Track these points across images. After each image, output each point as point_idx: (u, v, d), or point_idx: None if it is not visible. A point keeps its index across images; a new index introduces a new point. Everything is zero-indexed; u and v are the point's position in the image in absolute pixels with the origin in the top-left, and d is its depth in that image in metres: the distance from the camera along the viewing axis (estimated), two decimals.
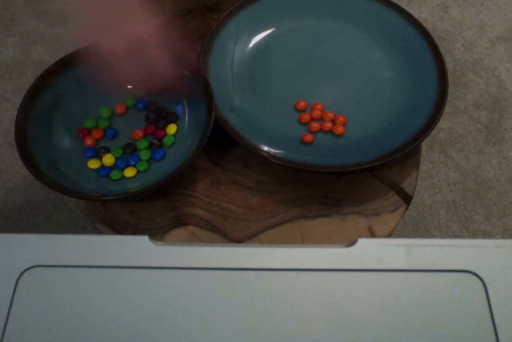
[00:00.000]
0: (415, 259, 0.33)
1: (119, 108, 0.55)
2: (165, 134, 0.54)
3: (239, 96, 0.56)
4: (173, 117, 0.55)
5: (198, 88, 0.52)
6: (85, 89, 0.55)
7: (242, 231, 0.51)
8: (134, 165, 0.52)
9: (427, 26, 1.00)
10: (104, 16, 0.43)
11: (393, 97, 0.57)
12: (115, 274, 0.33)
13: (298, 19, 0.61)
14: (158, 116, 0.55)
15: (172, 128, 0.54)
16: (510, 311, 0.31)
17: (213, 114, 0.49)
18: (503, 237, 1.14)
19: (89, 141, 0.54)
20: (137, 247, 0.34)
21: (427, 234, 1.14)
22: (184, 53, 0.51)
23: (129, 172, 0.52)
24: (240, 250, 0.34)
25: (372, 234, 0.51)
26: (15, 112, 0.50)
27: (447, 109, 1.26)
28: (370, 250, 0.33)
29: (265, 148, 0.51)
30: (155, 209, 0.52)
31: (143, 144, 0.53)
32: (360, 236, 0.40)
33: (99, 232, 0.52)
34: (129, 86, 0.56)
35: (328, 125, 0.55)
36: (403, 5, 0.77)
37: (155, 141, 0.53)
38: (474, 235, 1.13)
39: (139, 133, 0.54)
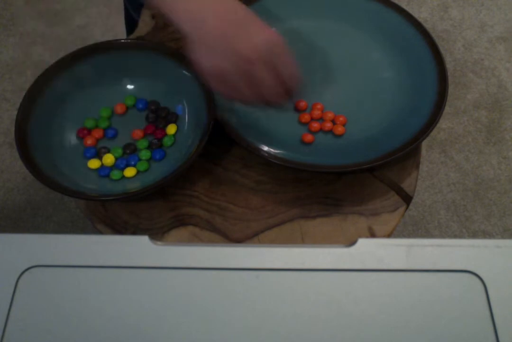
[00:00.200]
0: (415, 259, 0.33)
1: (119, 108, 0.55)
2: (165, 134, 0.54)
3: None
4: (173, 117, 0.55)
5: (198, 88, 0.52)
6: (85, 89, 0.55)
7: (242, 231, 0.51)
8: (134, 165, 0.52)
9: (427, 26, 1.00)
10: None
11: (393, 97, 0.57)
12: (115, 274, 0.33)
13: (298, 19, 0.61)
14: (158, 116, 0.55)
15: (172, 128, 0.54)
16: (510, 311, 0.31)
17: (213, 114, 0.49)
18: (503, 237, 1.14)
19: (89, 141, 0.54)
20: (137, 247, 0.34)
21: (427, 234, 1.14)
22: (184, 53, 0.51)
23: (129, 172, 0.52)
24: (240, 250, 0.33)
25: (372, 234, 0.51)
26: (15, 112, 0.50)
27: (447, 109, 1.26)
28: (370, 250, 0.33)
29: (265, 148, 0.51)
30: (155, 209, 0.52)
31: (143, 144, 0.53)
32: (360, 236, 0.40)
33: (99, 232, 0.52)
34: (129, 86, 0.56)
35: (328, 125, 0.55)
36: (403, 5, 0.77)
37: (155, 141, 0.53)
38: (474, 235, 1.13)
39: (139, 133, 0.54)
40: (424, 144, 1.22)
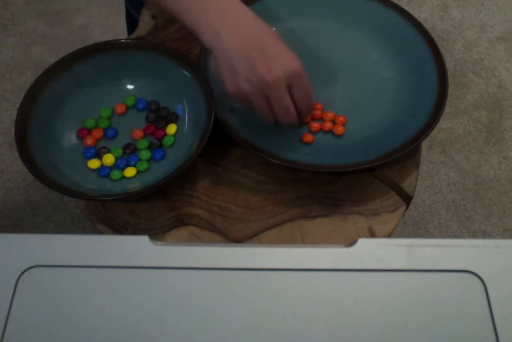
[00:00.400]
0: (415, 259, 0.33)
1: (119, 108, 0.55)
2: (165, 134, 0.54)
3: None
4: (173, 117, 0.55)
5: (198, 88, 0.52)
6: (85, 89, 0.55)
7: (242, 231, 0.51)
8: (134, 165, 0.52)
9: (427, 26, 1.00)
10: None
11: (393, 97, 0.57)
12: (115, 274, 0.33)
13: (298, 19, 0.61)
14: (158, 116, 0.55)
15: (172, 128, 0.54)
16: (510, 311, 0.31)
17: (213, 114, 0.49)
18: (503, 237, 1.14)
19: (89, 141, 0.54)
20: (137, 247, 0.34)
21: (427, 234, 1.14)
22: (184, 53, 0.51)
23: (129, 172, 0.52)
24: (240, 250, 0.34)
25: (372, 234, 0.51)
26: (15, 112, 0.50)
27: (447, 109, 1.26)
28: (370, 250, 0.33)
29: (265, 148, 0.51)
30: (155, 209, 0.52)
31: (143, 144, 0.53)
32: (360, 236, 0.40)
33: (99, 232, 0.52)
34: (129, 86, 0.56)
35: (328, 125, 0.55)
36: (403, 5, 0.77)
37: (155, 141, 0.53)
38: (474, 235, 1.13)
39: (139, 133, 0.54)
40: (424, 144, 1.22)
